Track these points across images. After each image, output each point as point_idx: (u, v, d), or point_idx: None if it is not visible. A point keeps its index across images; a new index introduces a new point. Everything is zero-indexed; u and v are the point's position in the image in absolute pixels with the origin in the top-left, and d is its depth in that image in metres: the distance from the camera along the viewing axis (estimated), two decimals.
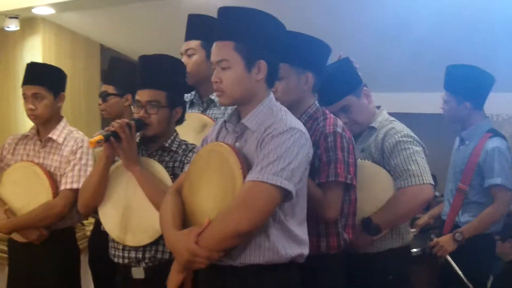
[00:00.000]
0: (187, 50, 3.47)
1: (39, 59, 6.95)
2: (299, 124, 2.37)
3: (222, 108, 3.46)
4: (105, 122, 7.57)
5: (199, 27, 3.49)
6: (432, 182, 3.13)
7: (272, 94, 2.47)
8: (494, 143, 4.03)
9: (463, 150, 4.19)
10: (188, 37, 3.51)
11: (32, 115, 3.49)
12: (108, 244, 3.04)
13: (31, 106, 3.47)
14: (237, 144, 2.43)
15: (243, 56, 2.35)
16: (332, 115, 2.92)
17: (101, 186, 2.94)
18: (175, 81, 3.02)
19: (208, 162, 2.44)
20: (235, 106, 2.53)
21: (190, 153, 2.97)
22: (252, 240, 2.31)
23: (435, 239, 4.12)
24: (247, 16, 2.38)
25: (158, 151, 3.00)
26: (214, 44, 2.42)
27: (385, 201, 3.16)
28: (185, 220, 2.47)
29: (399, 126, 3.31)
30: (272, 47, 2.40)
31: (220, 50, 2.39)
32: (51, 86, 3.53)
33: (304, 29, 2.83)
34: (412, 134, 3.25)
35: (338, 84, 3.24)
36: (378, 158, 3.24)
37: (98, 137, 2.79)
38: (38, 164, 3.48)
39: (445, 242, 4.07)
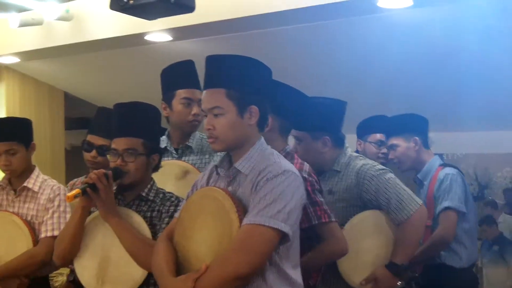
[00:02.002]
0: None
1: (3, 107, 6.93)
2: (292, 167, 2.39)
3: (199, 154, 3.49)
4: (70, 170, 7.57)
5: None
6: (421, 201, 3.22)
7: (262, 138, 2.50)
8: (445, 171, 4.03)
9: (422, 191, 4.17)
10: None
11: (7, 171, 3.47)
12: None
13: (6, 162, 3.43)
14: (230, 188, 2.43)
15: (235, 102, 2.39)
16: (299, 160, 2.96)
17: (77, 237, 2.88)
18: (151, 128, 3.01)
19: (201, 207, 2.45)
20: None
21: (168, 202, 2.92)
22: (249, 285, 2.30)
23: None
24: (237, 63, 2.43)
25: (135, 201, 2.95)
26: (205, 92, 2.45)
27: (391, 240, 3.22)
28: (178, 266, 2.46)
29: (365, 160, 3.34)
30: (262, 92, 2.45)
31: (212, 97, 2.42)
32: (22, 139, 3.50)
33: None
34: (378, 165, 3.30)
35: (315, 117, 3.25)
36: (354, 197, 3.25)
37: (75, 191, 2.74)
38: (15, 213, 3.45)
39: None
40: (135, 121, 2.90)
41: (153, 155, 2.93)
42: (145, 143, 2.87)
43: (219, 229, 2.33)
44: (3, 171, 3.47)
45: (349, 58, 5.36)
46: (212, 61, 2.47)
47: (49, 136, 7.23)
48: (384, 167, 3.27)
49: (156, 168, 3.02)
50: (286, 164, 2.38)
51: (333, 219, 2.88)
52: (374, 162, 3.34)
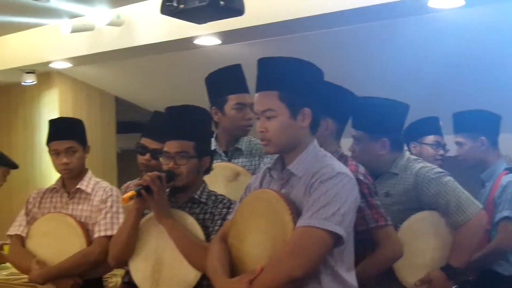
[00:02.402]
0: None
1: (56, 113, 7.07)
2: (346, 169, 2.38)
3: (249, 157, 3.50)
4: (121, 173, 7.68)
5: None
6: (481, 205, 3.18)
7: (315, 141, 2.49)
8: (508, 177, 3.93)
9: (483, 192, 4.16)
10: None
11: (66, 170, 3.50)
12: None
13: (66, 161, 3.48)
14: (283, 190, 2.44)
15: (288, 104, 2.39)
16: (354, 162, 2.93)
17: (131, 239, 2.93)
18: (202, 130, 3.04)
19: (254, 209, 2.46)
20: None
21: (220, 204, 2.95)
22: (304, 286, 2.31)
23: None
24: (289, 65, 2.43)
25: (188, 203, 2.99)
26: (258, 94, 2.46)
27: (448, 242, 3.19)
28: (232, 268, 2.48)
29: (423, 163, 3.30)
30: (314, 94, 2.44)
31: (265, 100, 2.43)
32: (81, 139, 3.56)
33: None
34: (436, 168, 3.26)
35: (376, 117, 3.23)
36: (412, 200, 3.22)
37: (130, 193, 2.79)
38: (69, 215, 3.52)
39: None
40: (187, 124, 2.94)
41: (204, 158, 2.97)
42: (196, 146, 2.91)
43: (272, 231, 2.34)
44: (61, 170, 3.51)
45: (399, 59, 5.31)
46: (264, 63, 2.48)
47: (100, 140, 7.34)
48: (442, 170, 3.23)
49: (208, 170, 3.06)
50: (339, 166, 2.38)
51: (390, 222, 2.86)
52: (432, 165, 3.31)
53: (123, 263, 3.04)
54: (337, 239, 2.26)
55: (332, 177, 2.29)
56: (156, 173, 2.83)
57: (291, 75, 2.42)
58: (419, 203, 3.20)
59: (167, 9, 3.56)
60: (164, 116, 3.09)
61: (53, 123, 3.64)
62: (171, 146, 2.90)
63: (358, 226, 2.69)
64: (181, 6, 3.48)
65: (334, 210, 2.23)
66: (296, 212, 2.31)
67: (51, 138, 3.54)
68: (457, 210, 3.12)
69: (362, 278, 2.63)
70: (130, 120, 9.69)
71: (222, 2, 3.42)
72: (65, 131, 3.54)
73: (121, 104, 8.20)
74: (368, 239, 2.86)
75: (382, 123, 3.22)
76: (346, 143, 3.16)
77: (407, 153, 3.39)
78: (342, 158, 2.91)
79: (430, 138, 4.32)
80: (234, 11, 3.57)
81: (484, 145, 3.99)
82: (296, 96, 2.40)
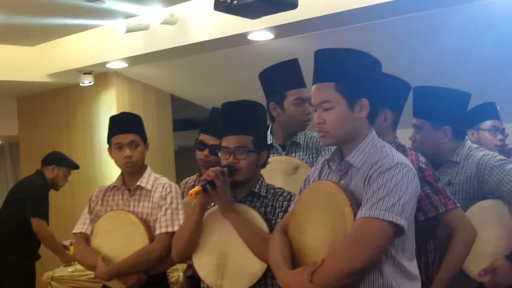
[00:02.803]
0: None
1: (114, 112, 7.14)
2: (405, 159, 2.37)
3: (306, 150, 3.51)
4: (178, 170, 7.77)
5: None
6: None
7: (374, 131, 2.48)
8: None
9: None
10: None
11: (128, 163, 3.53)
12: None
13: (129, 154, 3.52)
14: (342, 182, 2.45)
15: (345, 95, 2.39)
16: (413, 152, 2.93)
17: (196, 234, 2.98)
18: (260, 125, 3.08)
19: (314, 201, 2.48)
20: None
21: (280, 197, 2.98)
22: (366, 277, 2.32)
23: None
24: (346, 56, 2.43)
25: (248, 197, 3.03)
26: (314, 86, 2.47)
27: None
28: (293, 259, 2.49)
29: (485, 151, 3.29)
30: (371, 84, 2.44)
31: (322, 91, 2.43)
32: (142, 134, 3.61)
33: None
34: (499, 156, 3.24)
35: (438, 106, 3.22)
36: (474, 189, 3.20)
37: (196, 188, 2.83)
38: (131, 212, 3.59)
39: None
40: (245, 119, 2.98)
41: (262, 152, 3.00)
42: (254, 140, 2.95)
43: (332, 223, 2.35)
44: (123, 164, 3.54)
45: (451, 47, 5.22)
46: (321, 55, 2.49)
47: (158, 138, 7.44)
48: (505, 158, 3.22)
49: (264, 164, 3.08)
50: (399, 156, 2.37)
51: (458, 205, 2.86)
52: (494, 153, 3.28)
53: (187, 258, 3.10)
54: (398, 230, 2.26)
55: (392, 168, 2.29)
56: (219, 168, 2.88)
57: (348, 66, 2.41)
58: (481, 191, 3.17)
59: (221, 5, 3.59)
60: (221, 112, 3.13)
61: (115, 118, 3.69)
62: (230, 141, 2.95)
63: (427, 213, 2.75)
64: (235, 2, 3.50)
65: (394, 201, 2.23)
66: (356, 203, 2.31)
67: (114, 132, 3.58)
68: None
69: (454, 270, 2.73)
70: (186, 117, 9.80)
71: None
72: (128, 125, 3.59)
73: (177, 102, 8.28)
74: (426, 228, 2.84)
75: (444, 111, 3.21)
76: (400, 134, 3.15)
77: (468, 142, 3.37)
78: (400, 148, 2.92)
79: (488, 124, 4.27)
80: (287, 4, 3.58)
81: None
82: (353, 87, 2.39)
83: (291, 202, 2.82)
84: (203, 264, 2.98)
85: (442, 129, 3.22)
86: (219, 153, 3.03)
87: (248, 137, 2.94)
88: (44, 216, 6.02)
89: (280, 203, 2.93)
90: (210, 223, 2.98)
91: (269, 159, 3.38)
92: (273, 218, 2.90)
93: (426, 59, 5.40)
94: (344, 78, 2.40)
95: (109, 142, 3.61)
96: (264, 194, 3.00)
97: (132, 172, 3.60)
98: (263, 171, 3.17)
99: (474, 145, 3.37)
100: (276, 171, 3.40)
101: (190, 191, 2.81)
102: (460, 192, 3.22)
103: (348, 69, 2.41)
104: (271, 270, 2.74)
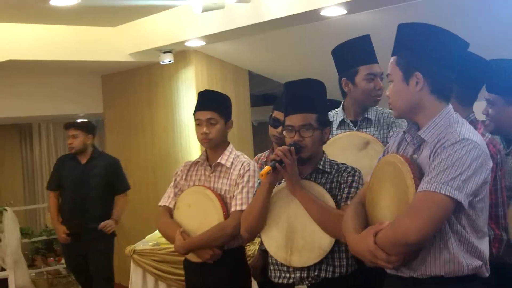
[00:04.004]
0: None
1: (193, 89, 7.36)
2: (474, 136, 2.35)
3: (377, 126, 3.56)
4: (257, 144, 7.88)
5: None
6: None
7: (450, 107, 2.48)
8: None
9: None
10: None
11: (205, 139, 3.69)
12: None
13: (206, 131, 3.67)
14: (415, 155, 2.48)
15: (401, 69, 2.45)
16: (480, 131, 2.88)
17: (264, 211, 3.07)
18: (322, 102, 3.14)
19: (384, 173, 2.53)
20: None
21: (344, 172, 3.05)
22: (431, 251, 2.35)
23: None
24: (412, 30, 2.48)
25: (313, 174, 3.11)
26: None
27: None
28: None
29: None
30: (434, 59, 2.43)
31: (389, 65, 2.53)
32: (223, 112, 3.75)
33: None
34: None
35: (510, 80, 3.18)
36: None
37: (266, 168, 2.93)
38: (209, 188, 3.72)
39: None
40: (308, 97, 3.05)
41: (325, 129, 3.06)
42: (318, 118, 3.03)
43: (398, 194, 2.40)
44: (201, 140, 3.71)
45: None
46: (398, 29, 2.54)
47: (236, 113, 7.37)
48: None
49: (327, 140, 3.16)
50: (467, 132, 2.35)
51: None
52: None
53: (255, 235, 3.21)
54: (457, 205, 2.25)
55: (456, 143, 2.29)
56: (286, 147, 2.96)
57: (409, 40, 2.47)
58: None
59: None
60: (284, 91, 3.20)
61: (200, 95, 3.85)
62: (294, 120, 3.02)
63: None
64: None
65: (454, 175, 2.23)
66: (420, 176, 2.34)
67: (196, 109, 3.74)
68: None
69: None
70: (264, 93, 9.89)
71: None
72: (208, 102, 3.74)
73: (254, 78, 8.37)
74: None
75: None
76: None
77: None
78: (472, 124, 2.90)
79: None
80: None
81: None
82: (409, 60, 2.45)
83: (356, 178, 2.90)
84: (272, 240, 3.08)
85: None
86: (283, 132, 3.10)
87: (311, 114, 3.01)
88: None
89: (345, 178, 3.00)
90: (278, 200, 3.07)
91: (341, 135, 3.47)
92: (339, 193, 2.97)
93: (498, 32, 5.28)
94: (403, 52, 2.47)
95: (194, 116, 3.77)
96: (328, 170, 3.07)
97: (210, 147, 3.74)
98: (335, 146, 3.25)
99: None
100: (348, 146, 3.47)
101: (261, 172, 2.91)
102: None
103: (409, 42, 2.46)
104: (338, 245, 2.83)
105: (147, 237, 6.19)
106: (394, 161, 2.46)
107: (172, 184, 3.92)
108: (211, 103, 3.74)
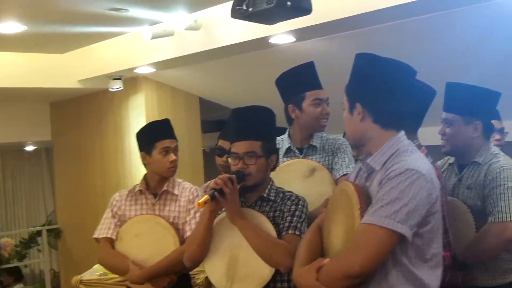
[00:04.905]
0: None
1: (143, 116, 7.33)
2: (421, 165, 2.31)
3: (322, 153, 3.57)
4: (209, 171, 7.86)
5: None
6: None
7: (401, 134, 2.45)
8: None
9: None
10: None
11: (174, 167, 3.68)
12: None
13: (175, 158, 3.67)
14: (367, 183, 2.45)
15: (348, 99, 2.49)
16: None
17: (206, 240, 3.02)
18: (269, 130, 3.12)
19: (338, 201, 2.52)
20: None
21: (288, 201, 3.02)
22: (371, 284, 2.31)
23: None
24: (357, 61, 2.51)
25: (257, 202, 3.07)
26: None
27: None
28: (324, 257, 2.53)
29: (505, 160, 3.21)
30: (375, 90, 2.43)
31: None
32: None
33: None
34: None
35: (471, 101, 3.20)
36: (481, 197, 3.17)
37: (204, 197, 2.89)
38: (159, 215, 3.67)
39: None
40: (253, 125, 3.03)
41: (271, 156, 3.05)
42: (263, 145, 2.99)
43: (347, 224, 2.38)
44: (168, 168, 3.67)
45: (469, 46, 5.21)
46: (354, 58, 2.55)
47: (187, 140, 7.52)
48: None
49: (274, 168, 3.14)
50: (413, 162, 2.32)
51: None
52: (507, 160, 3.21)
53: (198, 263, 3.15)
54: (403, 237, 2.22)
55: (400, 174, 2.25)
56: (227, 175, 2.92)
57: (355, 70, 2.50)
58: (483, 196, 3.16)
59: (237, 12, 3.67)
60: (230, 118, 3.17)
61: (160, 123, 3.80)
62: (239, 147, 2.99)
63: None
64: (250, 9, 3.58)
65: (396, 208, 2.20)
66: (367, 207, 2.30)
67: (160, 137, 3.67)
68: (491, 210, 3.13)
69: None
70: (216, 119, 9.89)
71: (289, 3, 3.49)
72: (172, 130, 3.73)
73: (206, 104, 8.37)
74: None
75: (476, 106, 3.19)
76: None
77: (492, 144, 3.34)
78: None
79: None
80: (302, 10, 3.63)
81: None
82: (352, 91, 2.48)
83: (299, 206, 2.90)
84: (214, 269, 3.04)
85: (473, 124, 3.22)
86: (228, 159, 3.07)
87: (257, 142, 2.98)
88: None
89: (288, 207, 2.98)
90: (221, 228, 3.03)
91: (288, 162, 3.47)
92: (282, 222, 2.95)
93: (438, 58, 5.38)
94: (349, 82, 2.50)
95: (148, 147, 3.68)
96: (273, 198, 3.05)
97: (172, 175, 3.71)
98: (283, 174, 3.24)
99: (497, 149, 3.32)
100: (295, 174, 3.47)
101: (199, 201, 2.87)
102: (475, 199, 3.18)
103: (354, 73, 2.49)
104: (280, 274, 2.81)
105: (94, 266, 6.07)
106: (346, 189, 2.45)
107: (109, 215, 3.79)
108: (173, 131, 3.74)
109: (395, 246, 2.24)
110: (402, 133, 2.46)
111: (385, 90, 2.44)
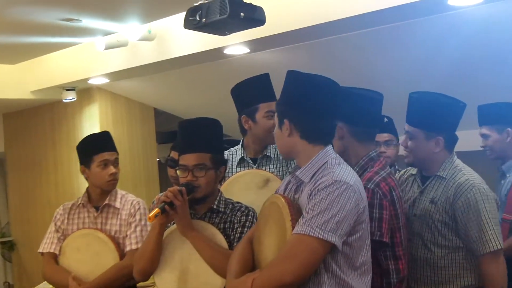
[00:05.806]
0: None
1: (97, 127, 7.26)
2: (348, 177, 2.40)
3: (277, 163, 3.59)
4: (165, 181, 7.82)
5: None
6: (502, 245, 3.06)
7: (328, 148, 2.54)
8: None
9: (504, 183, 4.10)
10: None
11: (113, 180, 3.63)
12: None
13: (115, 170, 3.62)
14: (297, 196, 2.53)
15: (278, 115, 2.59)
16: (374, 169, 2.91)
17: (156, 253, 2.99)
18: (217, 141, 3.11)
19: (269, 213, 2.57)
20: None
21: (238, 212, 3.03)
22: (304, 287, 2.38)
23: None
24: (287, 78, 2.59)
25: (207, 213, 3.06)
26: None
27: None
28: (255, 269, 2.56)
29: (471, 176, 3.15)
30: (300, 106, 2.52)
31: None
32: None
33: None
34: (483, 184, 3.13)
35: (432, 114, 3.16)
36: (449, 213, 3.12)
37: (154, 211, 2.85)
38: (99, 229, 3.62)
39: None
40: (202, 137, 3.01)
41: (220, 168, 3.05)
42: (212, 157, 2.98)
43: (279, 235, 2.44)
44: (108, 181, 3.62)
45: (418, 59, 5.28)
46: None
47: (142, 151, 7.47)
48: (483, 189, 3.10)
49: (222, 179, 3.15)
50: (341, 174, 2.42)
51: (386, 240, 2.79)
52: (475, 178, 3.16)
53: (148, 276, 3.11)
54: (333, 246, 2.31)
55: (329, 185, 2.35)
56: (177, 188, 2.90)
57: (284, 88, 2.60)
58: (455, 218, 3.13)
59: (191, 23, 3.68)
60: (178, 130, 3.14)
61: (99, 136, 3.76)
62: (188, 159, 2.97)
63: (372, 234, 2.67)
64: (203, 20, 3.59)
65: (326, 218, 2.29)
66: (298, 218, 2.38)
67: (98, 150, 3.62)
68: (475, 241, 3.07)
69: None
70: (171, 130, 9.85)
71: (242, 14, 3.51)
72: (112, 143, 3.68)
73: (161, 115, 8.35)
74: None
75: (438, 120, 3.16)
76: None
77: (455, 156, 3.29)
78: (372, 161, 2.96)
79: (384, 136, 4.22)
80: (255, 21, 3.66)
81: (509, 137, 4.01)
82: (280, 108, 2.59)
83: (249, 217, 2.91)
84: (164, 281, 3.01)
85: (435, 139, 3.17)
86: (177, 171, 3.05)
87: (206, 154, 2.97)
88: None
89: (238, 218, 2.98)
90: (172, 240, 3.01)
91: (241, 173, 3.47)
92: (232, 233, 2.95)
93: (391, 71, 5.44)
94: (279, 99, 2.63)
95: (87, 160, 3.63)
96: (223, 209, 3.05)
97: (113, 188, 3.67)
98: (236, 185, 3.23)
99: (462, 164, 3.27)
100: (249, 184, 3.46)
101: (149, 215, 2.84)
102: (442, 213, 3.15)
103: (283, 90, 2.59)
104: None
105: None
106: (277, 202, 2.51)
107: (53, 229, 3.74)
108: (113, 144, 3.70)
109: (326, 254, 2.33)
110: (330, 146, 2.56)
111: (310, 108, 2.52)
